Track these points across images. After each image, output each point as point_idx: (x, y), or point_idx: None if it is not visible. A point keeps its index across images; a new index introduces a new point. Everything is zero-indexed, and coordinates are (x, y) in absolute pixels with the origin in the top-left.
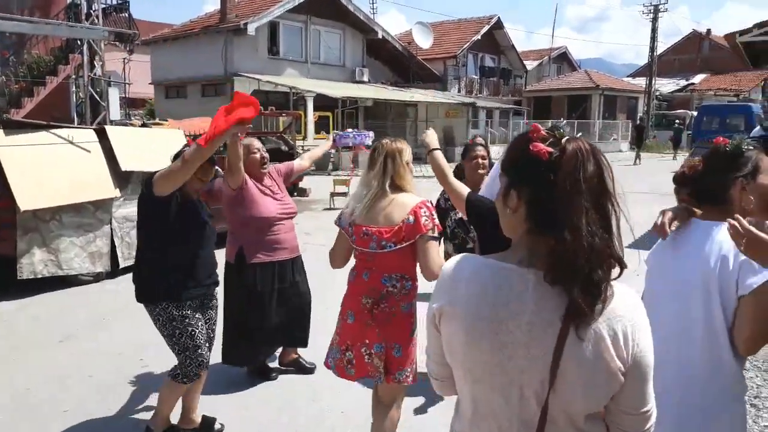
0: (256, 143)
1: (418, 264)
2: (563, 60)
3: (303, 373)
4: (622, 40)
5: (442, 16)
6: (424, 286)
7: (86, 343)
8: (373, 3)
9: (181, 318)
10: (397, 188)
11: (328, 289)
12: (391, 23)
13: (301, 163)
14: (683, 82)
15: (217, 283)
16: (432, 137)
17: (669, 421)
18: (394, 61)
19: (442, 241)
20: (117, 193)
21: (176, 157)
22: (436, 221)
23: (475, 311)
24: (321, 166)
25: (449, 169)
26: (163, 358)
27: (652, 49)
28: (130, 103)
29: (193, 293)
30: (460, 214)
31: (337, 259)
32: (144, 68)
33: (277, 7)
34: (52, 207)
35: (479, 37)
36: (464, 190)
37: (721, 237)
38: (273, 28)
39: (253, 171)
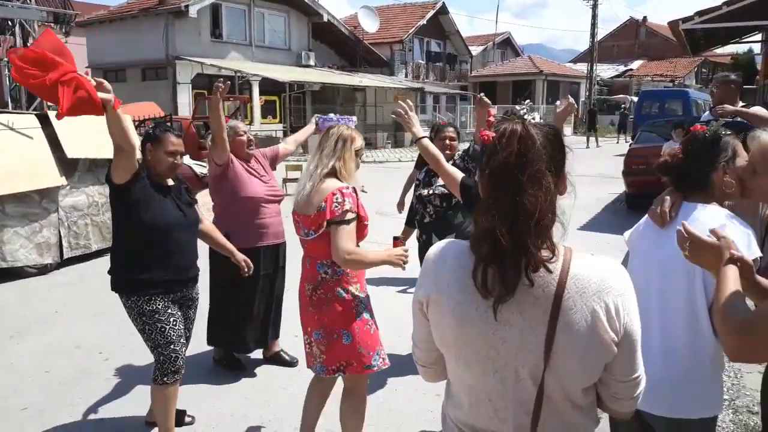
0: (242, 125)
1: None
2: (507, 45)
3: (285, 366)
4: (562, 26)
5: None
6: (413, 272)
7: (40, 338)
8: None
9: (151, 313)
10: (333, 174)
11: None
12: (335, 7)
13: (285, 146)
14: (622, 68)
15: (195, 279)
16: (415, 121)
17: (651, 390)
18: (341, 45)
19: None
20: (63, 181)
21: (144, 143)
22: (348, 206)
23: (462, 297)
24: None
25: (441, 154)
26: (124, 351)
27: (593, 35)
28: None
29: (164, 288)
30: (420, 190)
31: None
32: (79, 51)
33: None
34: None
35: (425, 22)
36: (458, 174)
37: (703, 218)
38: (215, 10)
39: (239, 153)
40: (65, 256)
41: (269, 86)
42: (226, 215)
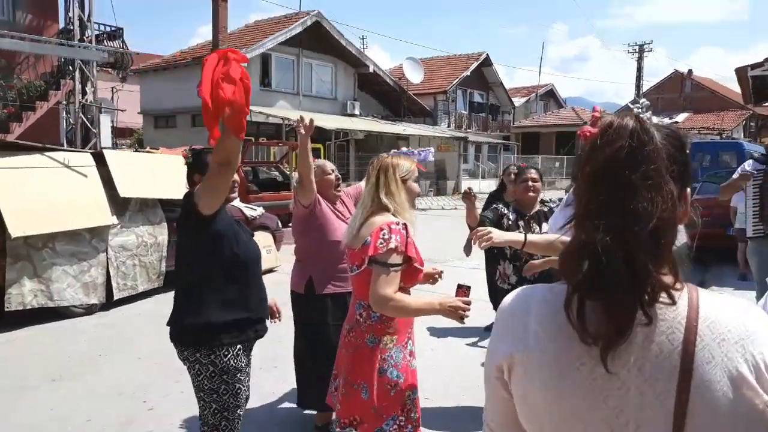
0: (329, 164)
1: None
2: (550, 97)
3: None
4: (602, 79)
5: (429, 51)
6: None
7: (82, 382)
8: (363, 38)
9: (235, 371)
10: (384, 207)
11: None
12: (380, 58)
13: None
14: (667, 121)
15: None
16: (502, 236)
17: None
18: (385, 95)
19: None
20: (114, 220)
21: (192, 173)
22: (394, 245)
23: (557, 349)
24: None
25: (550, 238)
26: (169, 399)
27: (638, 87)
28: (117, 133)
29: (253, 335)
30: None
31: None
32: (132, 98)
33: (270, 40)
34: (45, 234)
35: (468, 74)
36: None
37: None
38: (265, 60)
39: (326, 193)
40: (114, 297)
41: (314, 134)
42: (310, 259)
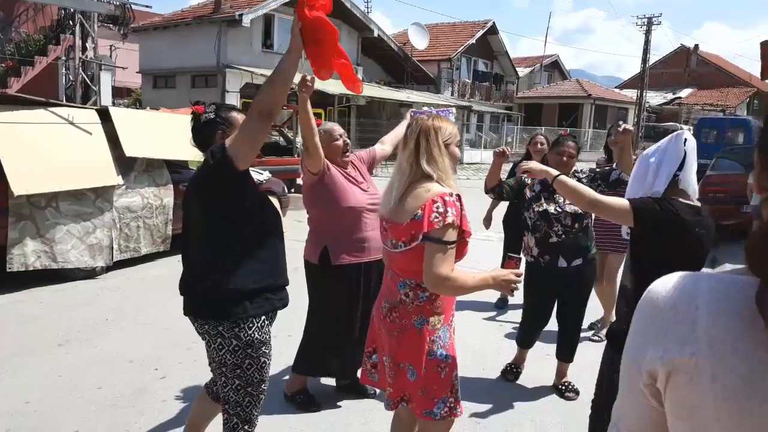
0: (338, 128)
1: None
2: (554, 68)
3: (364, 397)
4: (607, 52)
5: (432, 17)
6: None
7: (90, 348)
8: (367, 1)
9: (260, 344)
10: (427, 176)
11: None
12: (384, 23)
13: (382, 148)
14: (670, 96)
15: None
16: (537, 166)
17: None
18: (389, 61)
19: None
20: (120, 180)
21: (212, 130)
22: (451, 219)
23: (745, 362)
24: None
25: (587, 188)
26: (182, 367)
27: (645, 60)
28: (115, 92)
29: (279, 304)
30: (545, 206)
31: None
32: (131, 57)
33: (273, 1)
34: (49, 193)
35: (474, 42)
36: (622, 201)
37: None
38: (268, 20)
39: (335, 159)
40: (114, 259)
41: (315, 99)
42: (323, 228)
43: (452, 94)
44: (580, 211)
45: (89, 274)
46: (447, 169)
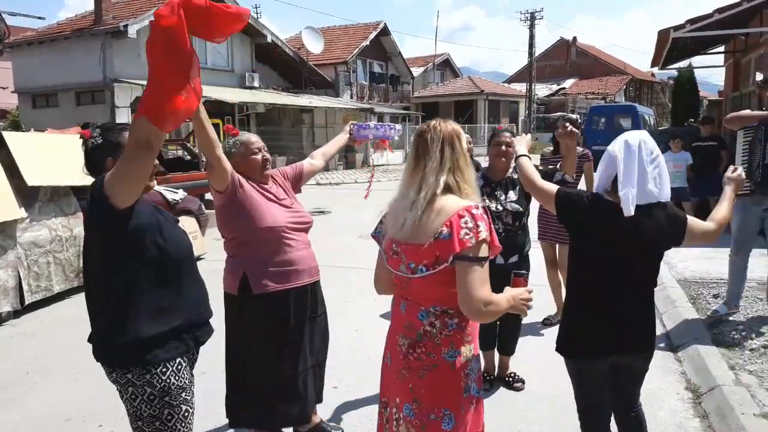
0: (256, 140)
1: None
2: (446, 66)
3: None
4: (485, 50)
5: (325, 20)
6: None
7: (16, 409)
8: (257, 7)
9: (179, 390)
10: (449, 188)
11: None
12: (278, 28)
13: (312, 162)
14: (555, 87)
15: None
16: (522, 142)
17: None
18: (285, 66)
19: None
20: (22, 213)
21: (101, 156)
22: (484, 234)
23: None
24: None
25: (536, 173)
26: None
27: (531, 54)
28: None
29: (193, 343)
30: (487, 202)
31: (379, 281)
32: (3, 75)
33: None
34: None
35: (368, 43)
36: (552, 188)
37: None
38: None
39: (254, 177)
40: (26, 302)
41: (211, 109)
42: (241, 253)
43: (351, 97)
44: (521, 209)
45: None
46: (472, 180)
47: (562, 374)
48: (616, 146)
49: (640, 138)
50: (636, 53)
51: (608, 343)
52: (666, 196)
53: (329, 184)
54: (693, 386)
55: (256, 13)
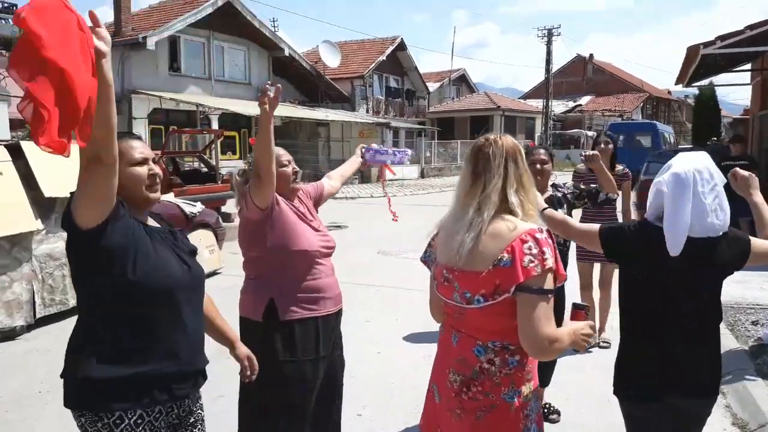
0: (284, 152)
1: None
2: (462, 82)
3: None
4: (500, 66)
5: (341, 35)
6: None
7: (25, 429)
8: (274, 20)
9: None
10: (510, 209)
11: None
12: (295, 42)
13: (330, 183)
14: (572, 104)
15: (204, 376)
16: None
17: None
18: (302, 80)
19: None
20: (39, 224)
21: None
22: (550, 262)
23: None
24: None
25: (568, 218)
26: None
27: (548, 71)
28: (11, 124)
29: (166, 397)
30: None
31: (433, 308)
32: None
33: (178, 21)
34: None
35: (384, 58)
36: (593, 227)
37: None
38: (173, 43)
39: (282, 190)
40: (37, 315)
41: (228, 121)
42: (268, 276)
43: (367, 111)
44: None
45: (8, 335)
46: (534, 200)
47: (598, 402)
48: (663, 178)
49: (694, 167)
50: (652, 70)
51: (664, 381)
52: (727, 224)
53: (345, 198)
54: (740, 422)
55: (274, 26)
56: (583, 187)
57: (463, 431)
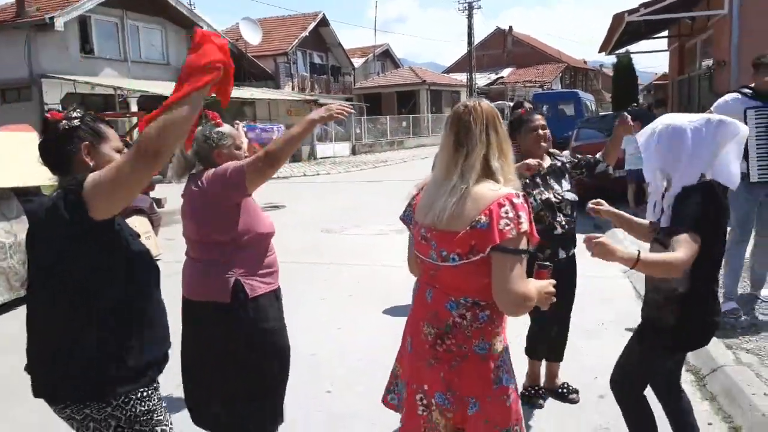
0: (237, 133)
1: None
2: (386, 57)
3: None
4: (420, 41)
5: (262, 10)
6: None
7: None
8: None
9: (149, 414)
10: (492, 174)
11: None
12: (214, 19)
13: None
14: (494, 76)
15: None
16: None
17: None
18: None
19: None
20: None
21: (57, 147)
22: (525, 226)
23: None
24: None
25: (668, 255)
26: None
27: (470, 43)
28: None
29: (157, 372)
30: (546, 195)
31: (412, 263)
32: None
33: (87, 1)
34: None
35: (307, 34)
36: (688, 249)
37: None
38: (84, 23)
39: None
40: None
41: (148, 104)
42: (234, 257)
43: (293, 89)
44: (577, 198)
45: None
46: (512, 166)
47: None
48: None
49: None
50: (568, 42)
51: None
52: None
53: (277, 178)
54: (693, 368)
55: (190, 4)
56: (580, 156)
57: (435, 377)
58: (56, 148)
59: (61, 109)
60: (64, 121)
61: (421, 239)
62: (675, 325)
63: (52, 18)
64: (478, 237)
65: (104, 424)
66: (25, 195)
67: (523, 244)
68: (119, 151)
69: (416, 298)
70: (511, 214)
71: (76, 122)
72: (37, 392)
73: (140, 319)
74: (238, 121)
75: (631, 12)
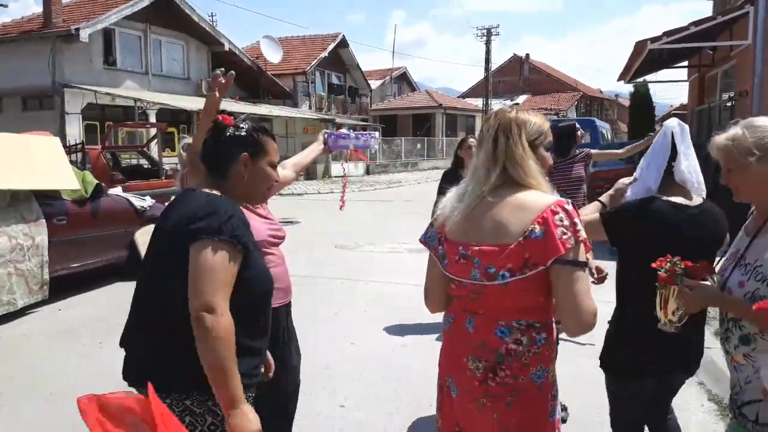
0: None
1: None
2: (403, 80)
3: None
4: (436, 66)
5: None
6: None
7: None
8: (212, 15)
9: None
10: (516, 183)
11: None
12: (236, 37)
13: (284, 173)
14: (509, 102)
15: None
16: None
17: None
18: (242, 75)
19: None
20: None
21: (217, 151)
22: (583, 234)
23: None
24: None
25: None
26: None
27: (487, 69)
28: None
29: (260, 375)
30: None
31: (432, 297)
32: None
33: (113, 13)
34: None
35: (326, 55)
36: (594, 213)
37: None
38: (108, 35)
39: None
40: None
41: (166, 117)
42: None
43: (310, 108)
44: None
45: None
46: (536, 175)
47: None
48: (675, 133)
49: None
50: (585, 70)
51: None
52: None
53: (291, 194)
54: (716, 397)
55: (212, 20)
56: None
57: (488, 421)
58: (216, 153)
59: (241, 117)
60: (231, 128)
61: (459, 258)
62: (604, 344)
63: (77, 29)
64: (533, 248)
65: (200, 420)
66: (44, 198)
67: (582, 255)
68: (274, 167)
69: (452, 333)
70: (566, 222)
71: (243, 132)
72: (128, 377)
73: (260, 325)
74: (325, 131)
75: (654, 40)
